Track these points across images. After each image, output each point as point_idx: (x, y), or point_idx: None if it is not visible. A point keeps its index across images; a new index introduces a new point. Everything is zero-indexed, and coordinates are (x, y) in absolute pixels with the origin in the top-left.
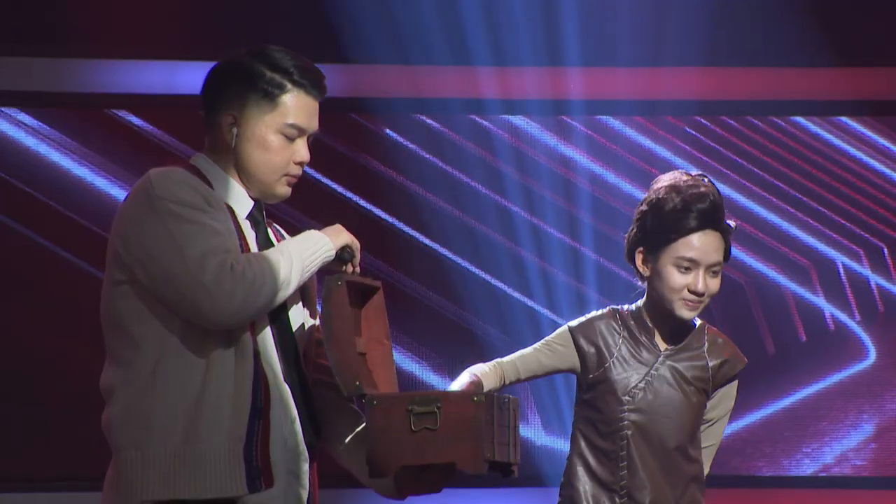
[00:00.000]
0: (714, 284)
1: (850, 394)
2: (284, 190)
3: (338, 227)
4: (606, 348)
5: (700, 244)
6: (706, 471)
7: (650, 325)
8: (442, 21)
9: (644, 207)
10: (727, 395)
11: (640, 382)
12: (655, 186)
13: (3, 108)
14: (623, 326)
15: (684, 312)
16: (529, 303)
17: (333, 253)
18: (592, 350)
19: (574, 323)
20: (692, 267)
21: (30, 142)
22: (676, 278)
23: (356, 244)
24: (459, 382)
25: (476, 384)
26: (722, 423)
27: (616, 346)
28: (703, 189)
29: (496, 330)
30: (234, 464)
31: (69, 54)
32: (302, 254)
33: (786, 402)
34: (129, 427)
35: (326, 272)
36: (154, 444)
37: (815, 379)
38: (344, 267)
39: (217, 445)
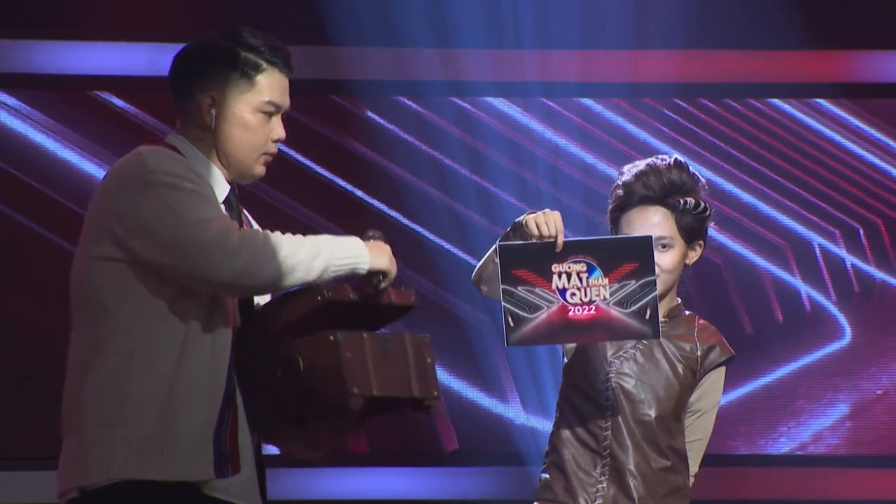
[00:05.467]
0: (663, 260)
1: (827, 373)
2: (261, 170)
3: (385, 247)
4: None
5: (637, 219)
6: (694, 469)
7: None
8: (424, 3)
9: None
10: (714, 385)
11: (629, 348)
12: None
13: None
14: None
15: None
16: None
17: (366, 268)
18: None
19: None
20: None
21: (12, 123)
22: None
23: (392, 272)
24: None
25: None
26: (709, 417)
27: None
28: (645, 168)
29: (480, 312)
30: (203, 448)
31: (52, 36)
32: (333, 251)
33: (763, 382)
34: (101, 404)
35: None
36: (126, 424)
37: (791, 359)
38: (373, 288)
39: (188, 429)
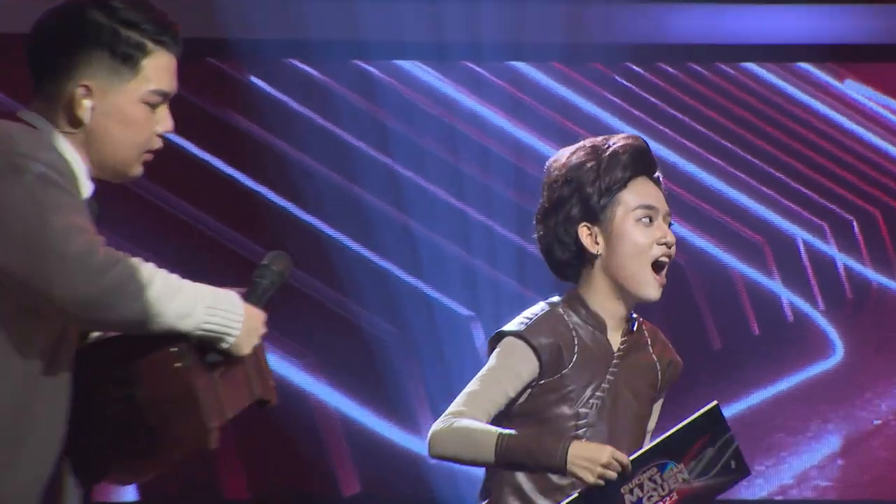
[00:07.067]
0: (671, 232)
1: (813, 399)
2: (139, 170)
3: (257, 332)
4: (566, 349)
5: (647, 190)
6: None
7: (602, 318)
8: None
9: (560, 185)
10: (660, 401)
11: (596, 392)
12: (559, 161)
13: None
14: (573, 325)
15: (650, 291)
16: (420, 285)
17: (228, 344)
18: (551, 353)
19: (520, 329)
20: (653, 215)
21: None
22: (642, 234)
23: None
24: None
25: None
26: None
27: (573, 351)
28: (631, 138)
29: (382, 319)
30: None
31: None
32: (205, 320)
33: (735, 409)
34: None
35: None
36: None
37: (770, 381)
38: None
39: (18, 485)
